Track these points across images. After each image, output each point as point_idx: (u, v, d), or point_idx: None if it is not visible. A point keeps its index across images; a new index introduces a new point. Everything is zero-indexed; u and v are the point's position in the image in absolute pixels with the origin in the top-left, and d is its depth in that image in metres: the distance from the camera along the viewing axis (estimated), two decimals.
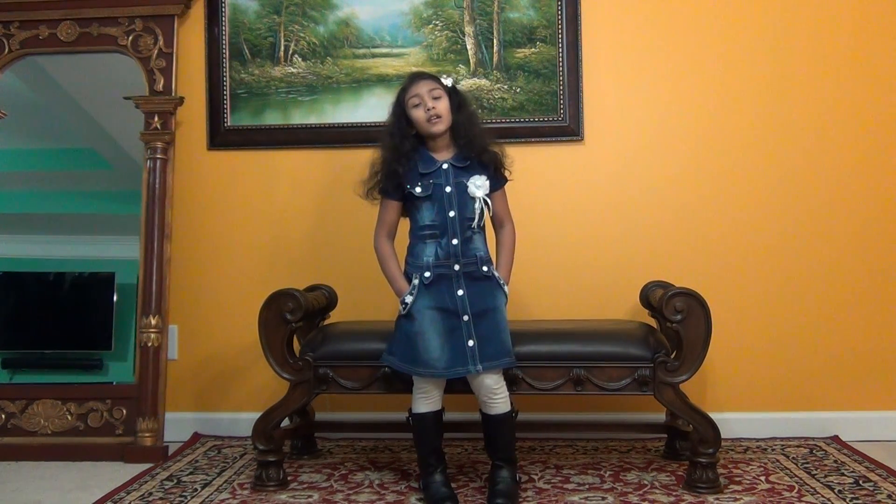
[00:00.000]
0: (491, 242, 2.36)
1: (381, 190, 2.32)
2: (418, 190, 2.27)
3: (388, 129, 2.32)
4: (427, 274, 2.24)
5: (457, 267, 2.24)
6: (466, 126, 2.29)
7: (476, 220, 2.26)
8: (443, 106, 2.26)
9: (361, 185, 2.34)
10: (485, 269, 2.27)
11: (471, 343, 2.20)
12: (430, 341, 2.21)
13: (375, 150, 2.35)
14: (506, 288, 2.30)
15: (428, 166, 2.28)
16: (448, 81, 2.31)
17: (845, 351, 2.91)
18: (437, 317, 2.22)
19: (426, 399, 2.28)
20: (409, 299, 2.25)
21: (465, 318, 2.21)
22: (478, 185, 2.25)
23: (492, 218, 2.35)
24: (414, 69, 2.98)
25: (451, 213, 2.25)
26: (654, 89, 2.97)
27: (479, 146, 2.28)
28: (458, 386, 2.29)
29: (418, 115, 2.26)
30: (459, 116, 2.29)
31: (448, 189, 2.26)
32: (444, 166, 2.28)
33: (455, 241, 2.24)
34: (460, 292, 2.23)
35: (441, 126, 2.26)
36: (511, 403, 2.30)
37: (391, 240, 2.35)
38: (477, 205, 2.25)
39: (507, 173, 2.35)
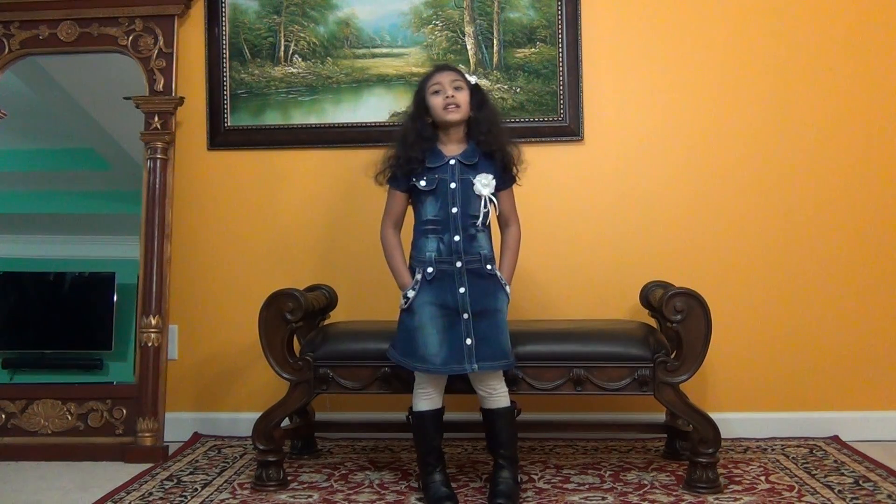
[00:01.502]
0: (496, 241, 2.35)
1: (390, 178, 2.32)
2: (423, 184, 2.26)
3: (408, 114, 2.33)
4: (430, 270, 2.24)
5: (459, 264, 2.23)
6: (489, 122, 2.28)
7: (481, 219, 2.25)
8: (462, 97, 2.26)
9: (374, 166, 2.33)
10: (488, 267, 2.26)
11: (469, 341, 2.20)
12: (428, 337, 2.21)
13: (395, 136, 2.34)
14: (507, 289, 2.29)
15: (435, 161, 2.27)
16: (472, 79, 2.31)
17: (845, 351, 2.91)
18: (437, 313, 2.22)
19: (426, 397, 2.28)
20: (410, 294, 2.25)
21: (465, 315, 2.21)
22: (484, 184, 2.24)
23: (497, 217, 2.33)
24: (414, 69, 3.00)
25: (454, 210, 2.24)
26: (654, 89, 2.97)
27: (498, 142, 2.27)
28: (458, 385, 2.29)
29: (436, 101, 2.25)
30: (480, 114, 2.28)
31: (453, 185, 2.25)
32: (451, 162, 2.27)
33: (457, 238, 2.23)
34: (462, 290, 2.22)
35: (457, 115, 2.25)
36: (512, 400, 2.30)
37: (397, 230, 2.35)
38: (482, 203, 2.25)
39: (516, 175, 2.33)
